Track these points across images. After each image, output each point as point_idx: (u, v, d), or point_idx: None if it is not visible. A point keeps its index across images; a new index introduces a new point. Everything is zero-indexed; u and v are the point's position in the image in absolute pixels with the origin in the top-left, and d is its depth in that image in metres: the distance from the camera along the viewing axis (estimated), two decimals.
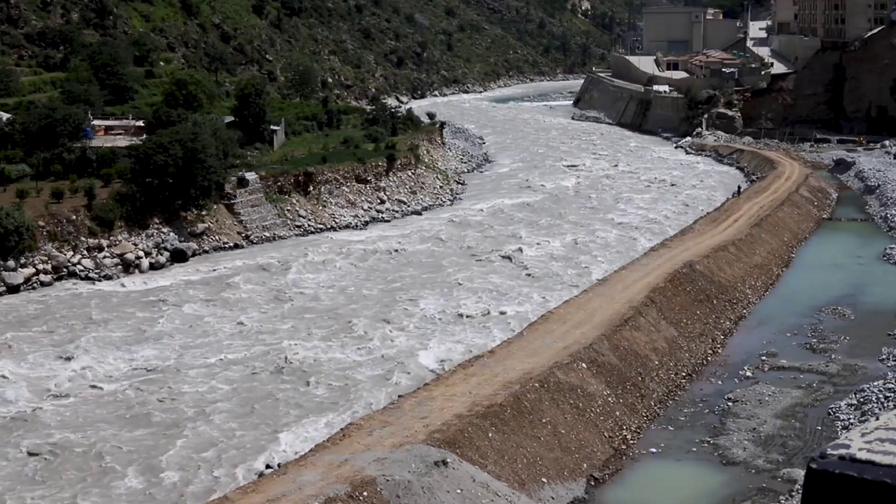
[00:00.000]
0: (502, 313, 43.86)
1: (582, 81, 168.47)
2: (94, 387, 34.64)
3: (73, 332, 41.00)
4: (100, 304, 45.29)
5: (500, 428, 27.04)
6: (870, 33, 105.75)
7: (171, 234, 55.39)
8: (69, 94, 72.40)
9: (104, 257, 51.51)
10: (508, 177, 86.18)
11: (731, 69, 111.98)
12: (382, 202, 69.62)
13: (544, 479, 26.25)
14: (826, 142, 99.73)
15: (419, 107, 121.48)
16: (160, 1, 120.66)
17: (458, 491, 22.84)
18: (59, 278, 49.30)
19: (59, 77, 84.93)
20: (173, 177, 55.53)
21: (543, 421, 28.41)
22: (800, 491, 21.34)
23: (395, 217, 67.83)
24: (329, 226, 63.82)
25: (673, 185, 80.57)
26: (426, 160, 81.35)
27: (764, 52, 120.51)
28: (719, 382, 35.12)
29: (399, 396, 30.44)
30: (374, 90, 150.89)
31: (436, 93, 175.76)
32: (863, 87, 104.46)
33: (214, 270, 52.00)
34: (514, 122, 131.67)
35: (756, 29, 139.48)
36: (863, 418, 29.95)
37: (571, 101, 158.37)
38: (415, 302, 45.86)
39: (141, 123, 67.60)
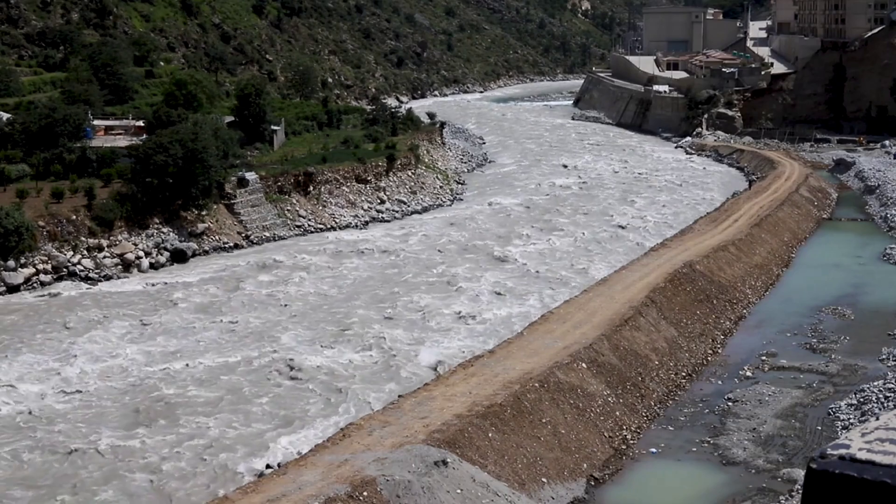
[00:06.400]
0: (502, 312, 43.86)
1: (582, 81, 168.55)
2: (92, 387, 34.63)
3: (72, 332, 40.99)
4: (99, 305, 45.27)
5: (500, 428, 27.03)
6: (870, 33, 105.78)
7: (171, 234, 55.40)
8: (69, 94, 72.38)
9: (104, 257, 51.51)
10: (508, 177, 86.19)
11: (731, 69, 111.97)
12: (382, 202, 69.62)
13: (544, 479, 26.25)
14: (826, 142, 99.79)
15: (419, 107, 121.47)
16: (160, 1, 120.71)
17: (458, 491, 22.83)
18: (59, 278, 49.29)
19: (59, 77, 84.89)
20: (173, 177, 55.53)
21: (543, 421, 28.40)
22: (800, 491, 21.34)
23: (395, 217, 67.85)
24: (329, 226, 63.81)
25: (673, 184, 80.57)
26: (426, 160, 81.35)
27: (764, 52, 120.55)
28: (719, 382, 35.11)
29: (399, 396, 30.41)
30: (374, 90, 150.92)
31: (436, 93, 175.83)
32: (863, 87, 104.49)
33: (215, 271, 52.01)
34: (514, 122, 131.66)
35: (756, 29, 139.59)
36: (863, 418, 29.95)
37: (571, 101, 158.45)
38: (415, 302, 45.87)
39: (141, 123, 67.58)
